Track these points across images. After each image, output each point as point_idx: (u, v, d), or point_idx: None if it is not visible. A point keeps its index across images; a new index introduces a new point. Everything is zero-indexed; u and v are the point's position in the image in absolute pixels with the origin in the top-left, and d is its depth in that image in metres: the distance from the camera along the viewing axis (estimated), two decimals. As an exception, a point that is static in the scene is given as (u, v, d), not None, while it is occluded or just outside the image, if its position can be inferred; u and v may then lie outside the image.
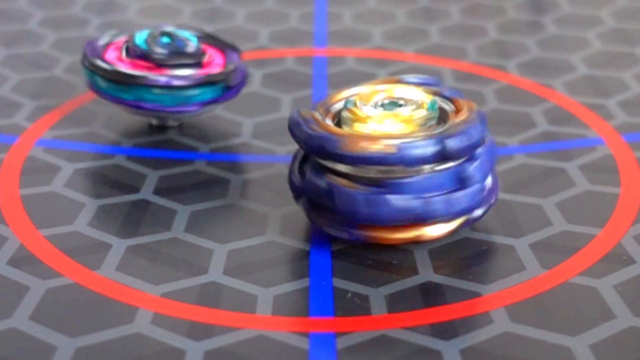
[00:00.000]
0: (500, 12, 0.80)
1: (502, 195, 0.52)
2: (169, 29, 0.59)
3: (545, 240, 0.48)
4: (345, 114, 0.48)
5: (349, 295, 0.44)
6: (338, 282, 0.45)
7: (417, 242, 0.48)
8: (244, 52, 0.71)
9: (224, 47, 0.59)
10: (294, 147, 0.57)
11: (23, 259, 0.46)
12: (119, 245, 0.48)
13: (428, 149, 0.44)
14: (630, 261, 0.46)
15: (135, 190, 0.53)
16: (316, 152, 0.45)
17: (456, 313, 0.43)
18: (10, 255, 0.47)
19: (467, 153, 0.45)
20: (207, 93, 0.56)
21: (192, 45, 0.57)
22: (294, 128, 0.47)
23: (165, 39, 0.58)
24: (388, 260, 0.47)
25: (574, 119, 0.61)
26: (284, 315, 0.42)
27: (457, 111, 0.48)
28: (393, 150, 0.44)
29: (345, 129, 0.47)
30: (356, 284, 0.45)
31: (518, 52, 0.72)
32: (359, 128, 0.47)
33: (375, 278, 0.45)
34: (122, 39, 0.59)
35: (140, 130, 0.59)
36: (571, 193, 0.53)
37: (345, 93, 0.50)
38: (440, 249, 0.47)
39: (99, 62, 0.56)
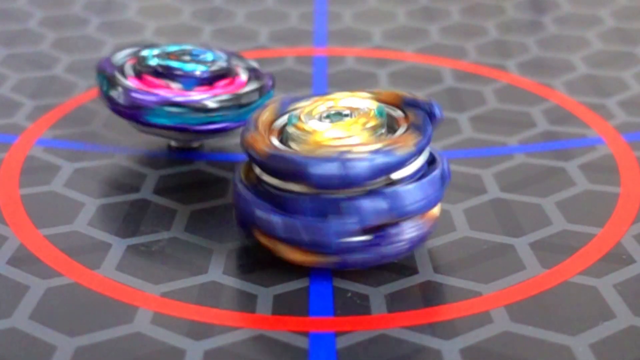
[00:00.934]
0: (500, 11, 0.80)
1: (502, 195, 0.52)
2: (172, 47, 0.56)
3: (545, 240, 0.48)
4: (292, 130, 0.46)
5: (349, 295, 0.44)
6: (338, 282, 0.45)
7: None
8: (244, 52, 0.71)
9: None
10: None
11: (23, 259, 0.46)
12: (118, 245, 0.48)
13: (429, 126, 0.45)
14: (630, 260, 0.46)
15: (135, 190, 0.53)
16: (376, 174, 0.43)
17: (456, 313, 0.43)
18: (10, 255, 0.47)
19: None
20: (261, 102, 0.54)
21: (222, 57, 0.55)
22: (306, 169, 0.43)
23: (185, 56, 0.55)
24: (388, 260, 0.47)
25: (574, 118, 0.61)
26: (284, 315, 0.42)
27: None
28: (421, 137, 0.44)
29: (297, 146, 0.45)
30: (356, 284, 0.45)
31: (518, 51, 0.72)
32: (314, 143, 0.45)
33: (375, 278, 0.45)
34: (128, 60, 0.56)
35: (154, 137, 0.59)
36: (571, 193, 0.53)
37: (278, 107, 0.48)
38: (440, 249, 0.47)
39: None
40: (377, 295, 0.44)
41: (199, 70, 0.53)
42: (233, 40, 0.73)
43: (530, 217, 0.50)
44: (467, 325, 0.42)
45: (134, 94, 0.52)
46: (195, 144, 0.57)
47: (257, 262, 0.46)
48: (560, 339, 0.41)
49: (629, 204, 0.51)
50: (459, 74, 0.68)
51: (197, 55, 0.55)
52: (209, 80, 0.54)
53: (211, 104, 0.51)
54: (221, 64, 0.54)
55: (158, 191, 0.53)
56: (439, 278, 0.45)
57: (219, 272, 0.46)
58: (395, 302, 0.43)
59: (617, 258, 0.47)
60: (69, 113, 0.62)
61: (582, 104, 0.63)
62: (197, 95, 0.52)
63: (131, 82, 0.53)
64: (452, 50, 0.72)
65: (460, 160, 0.56)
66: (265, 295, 0.44)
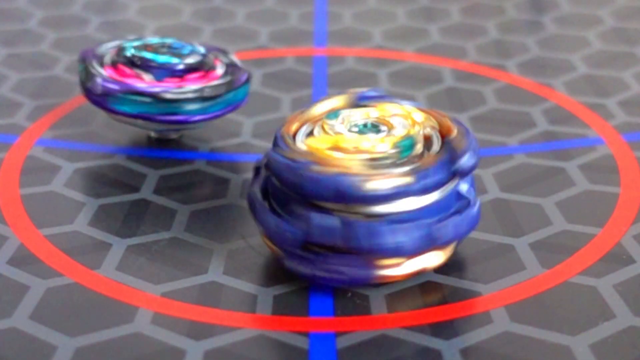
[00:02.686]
0: (500, 11, 0.80)
1: (502, 195, 0.52)
2: (154, 40, 0.57)
3: (545, 240, 0.48)
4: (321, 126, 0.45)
5: (349, 295, 0.44)
6: (338, 282, 0.45)
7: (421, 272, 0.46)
8: (244, 52, 0.71)
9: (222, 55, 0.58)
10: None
11: (23, 259, 0.46)
12: (118, 245, 0.48)
13: (442, 174, 0.42)
14: (630, 261, 0.46)
15: (135, 190, 0.53)
16: (330, 197, 0.41)
17: (456, 313, 0.43)
18: (10, 255, 0.47)
19: (475, 167, 0.43)
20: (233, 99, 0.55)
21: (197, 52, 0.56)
22: (292, 174, 0.42)
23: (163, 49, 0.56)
24: (388, 260, 0.46)
25: (574, 118, 0.61)
26: (284, 315, 0.43)
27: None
28: (412, 180, 0.41)
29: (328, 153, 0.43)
30: (356, 284, 0.45)
31: (518, 51, 0.72)
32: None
33: (375, 278, 0.45)
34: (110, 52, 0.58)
35: (140, 130, 0.59)
36: (571, 193, 0.53)
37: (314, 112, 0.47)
38: (440, 249, 0.47)
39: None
40: (377, 295, 0.44)
41: (171, 62, 0.55)
42: (233, 40, 0.73)
43: (530, 217, 0.50)
44: (467, 325, 0.42)
45: (101, 82, 0.53)
46: (173, 135, 0.58)
47: (257, 262, 0.46)
48: (560, 339, 0.41)
49: (629, 204, 0.51)
50: (459, 74, 0.68)
51: (175, 49, 0.56)
52: (181, 73, 0.55)
53: (169, 95, 0.53)
54: (195, 57, 0.55)
55: (158, 191, 0.53)
56: (439, 278, 0.45)
57: (219, 272, 0.46)
58: (395, 303, 0.43)
59: (617, 258, 0.47)
60: (69, 113, 0.62)
61: (582, 104, 0.63)
62: (159, 86, 0.53)
63: (106, 72, 0.55)
64: (452, 50, 0.72)
65: (460, 160, 0.56)
66: (265, 295, 0.44)
